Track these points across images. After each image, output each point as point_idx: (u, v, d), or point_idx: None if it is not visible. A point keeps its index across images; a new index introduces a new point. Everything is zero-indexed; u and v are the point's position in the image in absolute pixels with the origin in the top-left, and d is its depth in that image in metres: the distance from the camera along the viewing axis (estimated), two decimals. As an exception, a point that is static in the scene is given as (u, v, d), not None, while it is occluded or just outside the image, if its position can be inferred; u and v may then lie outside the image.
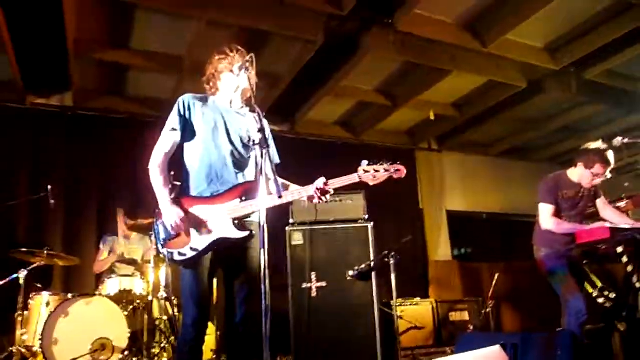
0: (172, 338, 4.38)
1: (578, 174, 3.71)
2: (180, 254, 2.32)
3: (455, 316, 5.65)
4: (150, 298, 4.29)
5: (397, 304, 4.26)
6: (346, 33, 4.66)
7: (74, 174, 5.37)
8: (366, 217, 4.00)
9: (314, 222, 3.91)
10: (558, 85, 5.87)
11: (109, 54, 4.98)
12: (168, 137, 2.48)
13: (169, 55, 5.12)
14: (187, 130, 2.50)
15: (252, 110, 2.46)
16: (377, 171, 2.39)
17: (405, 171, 2.42)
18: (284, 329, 3.87)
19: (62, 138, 5.45)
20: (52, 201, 4.29)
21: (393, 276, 4.01)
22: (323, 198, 2.42)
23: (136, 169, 5.20)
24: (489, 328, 5.47)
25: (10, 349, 4.02)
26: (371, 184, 2.42)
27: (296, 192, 2.44)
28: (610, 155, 3.60)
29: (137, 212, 4.94)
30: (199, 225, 2.35)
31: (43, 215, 5.09)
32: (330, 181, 2.41)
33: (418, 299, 5.63)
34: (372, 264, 3.84)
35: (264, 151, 2.12)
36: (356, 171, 2.40)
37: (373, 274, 3.85)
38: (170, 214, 2.33)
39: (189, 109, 2.51)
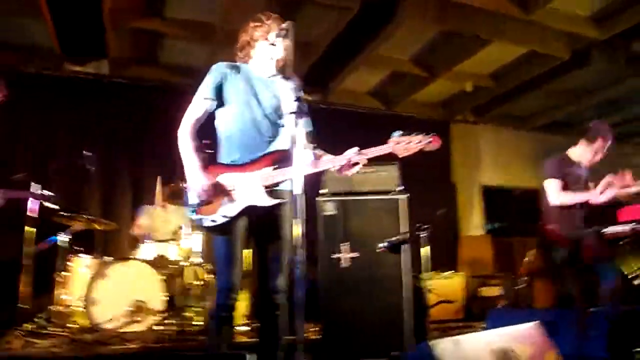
0: (205, 302, 4.49)
1: (578, 152, 3.65)
2: (211, 220, 2.33)
3: (486, 291, 5.60)
4: (183, 263, 4.39)
5: (428, 277, 4.22)
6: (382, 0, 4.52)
7: (110, 140, 5.49)
8: (400, 188, 3.94)
9: (346, 193, 3.87)
10: (603, 57, 5.59)
11: (144, 22, 5.01)
12: (199, 104, 2.47)
13: (202, 23, 5.11)
14: (220, 99, 2.48)
15: (287, 79, 2.42)
16: (409, 142, 2.31)
17: (439, 141, 2.33)
18: (314, 298, 3.90)
19: (99, 105, 5.55)
20: (91, 167, 4.40)
21: (424, 249, 3.97)
22: (354, 169, 2.38)
23: (170, 136, 5.26)
24: (520, 304, 5.41)
25: (52, 308, 4.21)
26: (402, 155, 2.34)
27: (328, 162, 2.41)
28: (608, 129, 3.57)
29: (172, 180, 5.03)
30: (230, 192, 2.35)
31: (81, 181, 5.23)
32: (362, 151, 2.37)
33: (449, 272, 5.59)
34: (404, 236, 3.80)
35: (299, 120, 2.08)
36: (388, 142, 2.34)
37: (404, 246, 3.81)
38: (197, 180, 2.32)
39: (222, 77, 2.49)
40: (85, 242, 4.87)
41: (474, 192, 7.45)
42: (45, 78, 5.42)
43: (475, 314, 5.35)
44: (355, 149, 2.37)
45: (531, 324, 2.27)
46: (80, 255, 4.37)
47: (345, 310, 3.76)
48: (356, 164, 2.37)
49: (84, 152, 4.38)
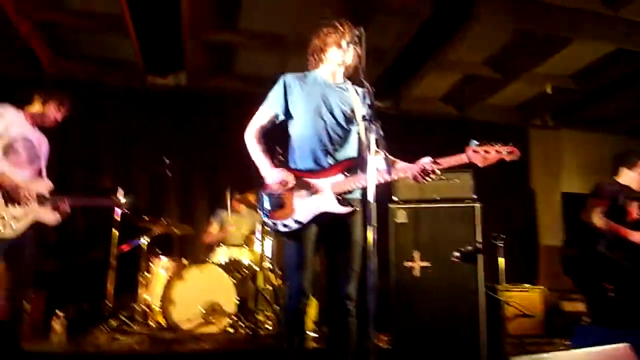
0: (276, 307, 4.57)
1: (627, 178, 3.69)
2: (284, 225, 2.37)
3: (568, 306, 5.25)
4: (256, 268, 4.50)
5: (504, 289, 4.04)
6: (455, 2, 4.41)
7: (188, 149, 5.75)
8: (474, 197, 3.81)
9: (418, 200, 3.80)
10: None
11: (218, 35, 5.20)
12: (265, 112, 2.56)
13: (274, 34, 5.22)
14: (288, 109, 2.54)
15: (358, 85, 2.42)
16: (487, 152, 2.23)
17: (519, 153, 2.25)
18: (385, 307, 3.85)
19: (178, 115, 5.85)
20: (170, 174, 4.63)
21: (501, 260, 3.80)
22: (427, 178, 2.33)
23: (244, 145, 5.43)
24: (607, 321, 5.02)
25: (135, 306, 4.46)
26: (480, 165, 2.27)
27: (401, 170, 2.37)
28: None
29: (245, 186, 5.18)
30: (303, 198, 2.38)
31: (161, 187, 5.52)
32: (438, 160, 2.31)
33: (527, 285, 5.31)
34: (479, 246, 3.66)
35: (373, 126, 2.06)
36: (464, 150, 2.27)
37: (479, 256, 3.67)
38: (273, 175, 2.39)
39: (290, 88, 2.55)
40: (164, 245, 5.13)
41: (555, 200, 7.05)
42: (129, 90, 5.79)
43: (556, 330, 5.04)
44: (429, 158, 2.31)
45: (621, 345, 2.09)
46: (160, 257, 4.60)
47: (416, 320, 3.67)
48: (430, 173, 2.32)
49: (164, 159, 4.61)
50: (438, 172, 2.31)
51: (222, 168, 5.78)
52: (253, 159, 2.51)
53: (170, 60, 5.63)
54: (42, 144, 3.29)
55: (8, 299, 2.96)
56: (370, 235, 1.94)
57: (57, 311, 4.13)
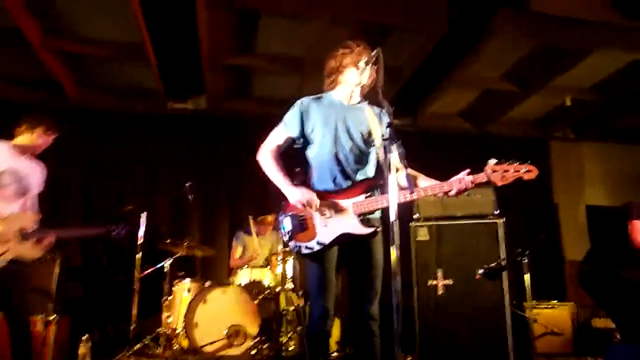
0: (299, 328, 4.53)
1: None
2: (307, 247, 2.36)
3: (599, 323, 5.09)
4: (278, 289, 4.48)
5: (531, 306, 3.95)
6: (471, 18, 4.42)
7: (209, 172, 5.82)
8: (496, 212, 3.76)
9: (439, 217, 3.77)
10: None
11: (237, 59, 5.28)
12: (281, 133, 2.56)
13: (291, 57, 5.29)
14: (305, 132, 2.53)
15: (377, 105, 2.42)
16: (506, 171, 2.24)
17: (537, 172, 2.25)
18: (409, 326, 3.80)
19: (199, 139, 5.94)
20: (191, 197, 4.67)
21: (527, 276, 3.73)
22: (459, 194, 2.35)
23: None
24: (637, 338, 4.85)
25: (158, 329, 4.47)
26: (499, 184, 2.28)
27: (429, 188, 2.36)
28: None
29: (265, 208, 5.22)
30: (325, 219, 2.37)
31: (183, 210, 5.58)
32: (453, 180, 2.32)
33: (555, 301, 5.18)
34: (503, 262, 3.60)
35: (393, 145, 2.06)
36: (483, 168, 2.28)
37: (504, 273, 3.61)
38: (297, 194, 2.37)
39: (306, 111, 2.54)
40: (187, 267, 5.16)
41: (579, 213, 6.90)
42: (150, 116, 5.91)
43: (587, 347, 4.89)
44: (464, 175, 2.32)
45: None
46: (182, 279, 4.62)
47: (441, 339, 3.62)
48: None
49: (185, 183, 4.67)
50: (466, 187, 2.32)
51: (242, 190, 5.84)
52: (271, 178, 2.49)
53: (189, 86, 5.76)
54: (33, 174, 3.27)
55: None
56: (394, 254, 1.92)
57: (83, 336, 4.17)
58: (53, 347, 3.89)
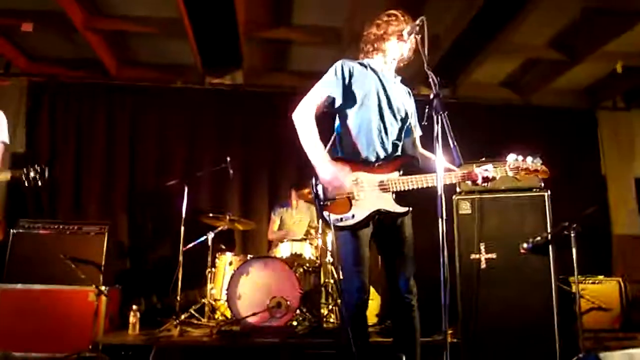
0: (339, 300, 4.58)
1: None
2: (341, 219, 2.30)
3: (648, 298, 4.94)
4: (318, 262, 4.53)
5: (578, 281, 3.84)
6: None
7: (248, 146, 5.87)
8: (542, 185, 3.65)
9: (483, 191, 3.69)
10: None
11: (273, 32, 5.25)
12: (321, 93, 2.40)
13: (327, 28, 5.21)
14: (346, 96, 2.41)
15: (426, 76, 2.35)
16: (524, 168, 2.36)
17: (549, 173, 2.42)
18: (451, 300, 3.77)
19: (236, 113, 5.98)
20: (231, 172, 4.74)
21: (574, 250, 3.61)
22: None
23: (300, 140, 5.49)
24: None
25: (202, 300, 4.62)
26: (519, 178, 2.40)
27: (454, 176, 2.36)
28: None
29: (304, 182, 5.23)
30: (360, 193, 2.31)
31: (223, 185, 5.67)
32: (475, 171, 2.34)
33: (601, 277, 5.03)
34: (549, 236, 3.51)
35: (440, 117, 2.01)
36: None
37: (550, 247, 3.51)
38: (326, 169, 2.25)
39: (349, 73, 2.42)
40: (227, 241, 5.28)
41: (628, 186, 6.63)
42: (190, 91, 5.96)
43: (635, 323, 4.75)
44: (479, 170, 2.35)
45: None
46: (224, 252, 4.74)
47: (484, 314, 3.57)
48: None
49: (225, 157, 4.73)
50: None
51: (280, 164, 5.87)
52: (305, 143, 2.32)
53: (227, 60, 5.77)
54: None
55: None
56: (441, 227, 1.90)
57: (132, 307, 4.35)
58: (104, 317, 4.07)
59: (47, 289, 4.07)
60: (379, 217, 2.33)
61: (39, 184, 2.37)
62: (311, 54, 5.72)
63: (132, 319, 4.22)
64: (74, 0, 4.66)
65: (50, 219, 5.21)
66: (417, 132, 2.58)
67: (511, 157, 2.33)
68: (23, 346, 3.91)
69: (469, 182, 2.41)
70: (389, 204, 2.30)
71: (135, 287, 5.24)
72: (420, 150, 2.61)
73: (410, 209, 2.35)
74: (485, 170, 2.35)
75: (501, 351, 3.48)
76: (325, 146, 2.38)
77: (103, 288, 4.03)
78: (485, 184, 2.38)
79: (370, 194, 2.31)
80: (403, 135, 2.50)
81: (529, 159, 2.35)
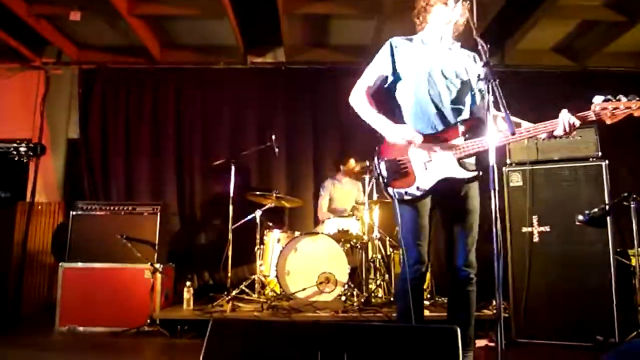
0: (386, 275, 4.59)
1: None
2: (407, 193, 2.29)
3: None
4: (365, 238, 4.53)
5: (638, 254, 3.68)
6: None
7: (292, 123, 5.89)
8: (599, 154, 3.48)
9: (534, 162, 3.56)
10: None
11: (313, 7, 5.18)
12: (372, 73, 2.47)
13: (368, 0, 5.09)
14: (396, 73, 2.44)
15: (472, 47, 2.26)
16: (616, 108, 2.06)
17: None
18: (503, 273, 3.69)
19: (279, 91, 5.99)
20: (277, 149, 4.78)
21: (634, 222, 3.45)
22: (569, 135, 2.20)
23: (344, 115, 5.45)
24: None
25: (252, 277, 4.73)
26: (608, 122, 2.11)
27: (532, 129, 2.21)
28: None
29: (348, 157, 5.22)
30: (423, 163, 2.29)
31: (269, 162, 5.73)
32: (565, 116, 2.13)
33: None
34: (607, 207, 3.35)
35: (490, 85, 1.93)
36: (583, 108, 2.12)
37: (608, 219, 3.36)
38: (397, 130, 2.28)
39: (398, 50, 2.44)
40: (274, 218, 5.35)
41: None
42: (233, 70, 6.01)
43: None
44: (567, 113, 2.15)
45: None
46: (273, 230, 4.82)
47: (536, 288, 3.49)
48: (573, 129, 2.16)
49: (271, 136, 4.77)
50: (577, 125, 2.15)
51: (325, 139, 5.86)
52: (367, 119, 2.40)
53: (267, 38, 5.77)
54: None
55: None
56: (494, 199, 1.84)
57: (186, 283, 4.51)
58: (160, 293, 4.24)
59: (106, 267, 4.28)
60: (443, 186, 2.28)
61: (29, 158, 2.41)
62: (351, 27, 5.63)
63: (186, 295, 4.38)
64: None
65: (105, 200, 5.46)
66: (488, 96, 2.48)
67: (598, 98, 2.10)
68: (86, 321, 4.15)
69: (543, 136, 2.25)
70: (455, 170, 2.26)
71: (187, 264, 5.43)
72: (494, 112, 2.52)
73: (480, 172, 2.28)
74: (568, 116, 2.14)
75: (555, 327, 3.40)
76: None
77: (158, 266, 4.19)
78: (569, 135, 2.20)
79: (435, 163, 2.28)
80: (469, 101, 2.44)
81: (621, 97, 2.08)
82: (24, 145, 2.33)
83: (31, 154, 2.34)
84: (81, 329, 4.14)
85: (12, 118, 5.87)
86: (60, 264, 4.35)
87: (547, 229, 3.51)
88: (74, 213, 4.52)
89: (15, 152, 2.32)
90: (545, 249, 3.51)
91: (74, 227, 4.48)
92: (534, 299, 3.50)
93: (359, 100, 2.45)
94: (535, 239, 3.53)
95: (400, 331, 1.44)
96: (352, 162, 4.82)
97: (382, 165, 2.35)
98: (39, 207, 5.74)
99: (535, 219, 3.53)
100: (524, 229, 3.55)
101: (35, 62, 6.03)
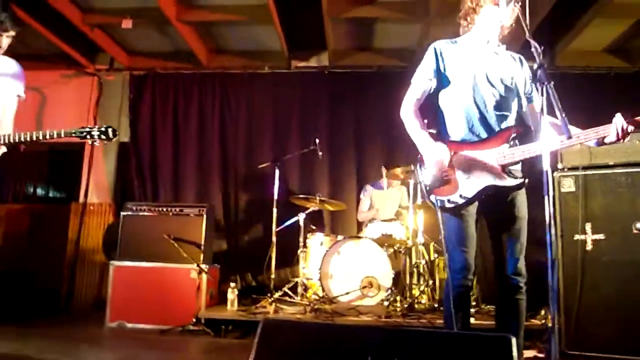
0: (430, 281, 4.53)
1: None
2: (449, 201, 2.26)
3: None
4: (409, 243, 4.48)
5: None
6: None
7: (335, 127, 5.89)
8: (658, 158, 3.31)
9: (587, 167, 3.42)
10: None
11: (358, 10, 5.18)
12: (419, 84, 2.41)
13: (412, 2, 5.05)
14: (442, 77, 2.39)
15: (527, 46, 2.21)
16: None
17: None
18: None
19: (323, 95, 6.01)
20: (320, 153, 4.81)
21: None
22: (623, 140, 2.09)
23: (388, 120, 5.43)
24: None
25: (295, 279, 4.76)
26: None
27: (582, 135, 2.12)
28: None
29: (392, 161, 5.18)
30: (467, 171, 2.26)
31: (312, 166, 5.76)
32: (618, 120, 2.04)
33: None
34: (667, 215, 3.19)
35: (545, 88, 1.88)
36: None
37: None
38: (435, 154, 2.27)
39: (441, 55, 2.39)
40: (317, 222, 5.37)
41: None
42: (278, 75, 6.09)
43: None
44: (620, 117, 2.06)
45: None
46: (315, 233, 4.83)
47: (589, 299, 3.35)
48: (627, 134, 2.06)
49: (315, 139, 4.80)
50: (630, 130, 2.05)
51: (368, 143, 5.84)
52: (412, 136, 2.38)
53: (312, 42, 5.82)
54: None
55: None
56: (547, 206, 1.78)
57: (230, 284, 4.59)
58: (205, 293, 4.33)
59: (154, 266, 4.40)
60: (488, 193, 2.24)
61: (103, 142, 2.52)
62: (396, 30, 5.60)
63: (230, 296, 4.45)
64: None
65: (152, 201, 5.63)
66: (536, 99, 2.42)
67: None
68: (134, 318, 4.29)
69: (593, 143, 2.16)
70: (499, 179, 2.21)
71: (231, 265, 5.52)
72: (562, 117, 2.44)
73: (526, 180, 2.23)
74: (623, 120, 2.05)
75: (608, 339, 3.24)
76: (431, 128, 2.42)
77: (204, 266, 4.28)
78: (622, 140, 2.09)
79: (478, 171, 2.24)
80: (515, 106, 2.37)
81: None
82: (96, 129, 2.41)
83: (104, 137, 2.40)
84: (129, 325, 4.28)
85: (68, 122, 6.12)
86: (110, 262, 4.51)
87: (601, 237, 3.37)
88: (125, 214, 4.67)
89: (88, 137, 2.39)
90: (600, 257, 3.36)
91: (124, 227, 4.63)
92: (586, 309, 3.36)
93: (407, 115, 2.40)
94: (589, 247, 3.39)
95: (453, 338, 1.41)
96: (397, 170, 4.76)
97: (425, 172, 2.33)
98: (91, 207, 5.99)
99: (588, 226, 3.39)
100: (577, 237, 3.42)
101: (89, 68, 6.31)
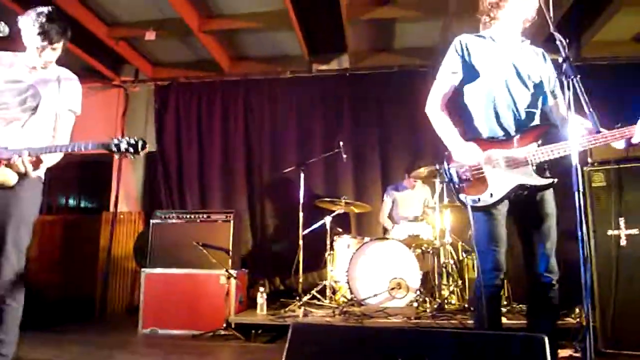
0: (460, 282, 4.47)
1: None
2: (479, 200, 2.23)
3: None
4: (437, 243, 4.44)
5: None
6: None
7: (358, 129, 5.88)
8: (694, 150, 3.20)
9: (619, 160, 3.33)
10: None
11: (377, 12, 5.17)
12: (445, 78, 2.37)
13: (432, 2, 5.01)
14: (467, 72, 2.34)
15: (551, 39, 2.17)
16: None
17: None
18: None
19: (345, 97, 6.01)
20: (345, 156, 4.81)
21: None
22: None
23: (412, 119, 5.40)
24: None
25: (323, 282, 4.77)
26: None
27: (609, 135, 2.07)
28: None
29: (417, 161, 5.14)
30: (497, 170, 2.22)
31: (336, 169, 5.76)
32: None
33: None
34: None
35: (571, 82, 1.84)
36: None
37: None
38: (466, 152, 2.23)
39: (468, 49, 2.33)
40: (342, 224, 5.36)
41: None
42: (299, 79, 6.13)
43: None
44: None
45: None
46: (342, 235, 4.83)
47: (626, 295, 3.26)
48: None
49: (339, 142, 4.80)
50: None
51: (392, 144, 5.81)
52: (439, 134, 2.34)
53: (332, 45, 5.83)
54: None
55: None
56: (578, 201, 1.75)
57: (259, 288, 4.62)
58: (235, 298, 4.37)
59: (184, 272, 4.47)
60: (518, 192, 2.21)
61: (131, 155, 2.30)
62: (416, 29, 5.56)
63: (260, 300, 4.48)
64: (190, 5, 5.01)
65: (180, 209, 5.72)
66: (559, 96, 2.37)
67: None
68: (166, 324, 4.36)
69: (622, 144, 2.12)
70: (529, 178, 2.18)
71: (259, 270, 5.56)
72: (590, 112, 2.40)
73: (555, 180, 2.19)
74: None
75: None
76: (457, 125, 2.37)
77: (232, 271, 4.32)
78: None
79: (508, 170, 2.21)
80: (541, 102, 2.34)
81: None
82: (124, 141, 2.22)
83: (132, 150, 2.22)
84: (161, 331, 4.36)
85: (95, 134, 6.20)
86: (142, 269, 4.60)
87: (635, 231, 3.28)
88: (154, 222, 4.76)
89: (116, 150, 2.22)
90: (635, 253, 3.28)
91: (154, 235, 4.72)
92: (622, 306, 3.26)
93: (433, 112, 2.37)
94: (623, 242, 3.30)
95: (485, 339, 1.39)
96: (421, 169, 4.72)
97: (453, 171, 2.28)
98: (121, 216, 6.13)
99: (622, 221, 3.31)
100: (610, 232, 3.33)
101: (115, 80, 6.46)
